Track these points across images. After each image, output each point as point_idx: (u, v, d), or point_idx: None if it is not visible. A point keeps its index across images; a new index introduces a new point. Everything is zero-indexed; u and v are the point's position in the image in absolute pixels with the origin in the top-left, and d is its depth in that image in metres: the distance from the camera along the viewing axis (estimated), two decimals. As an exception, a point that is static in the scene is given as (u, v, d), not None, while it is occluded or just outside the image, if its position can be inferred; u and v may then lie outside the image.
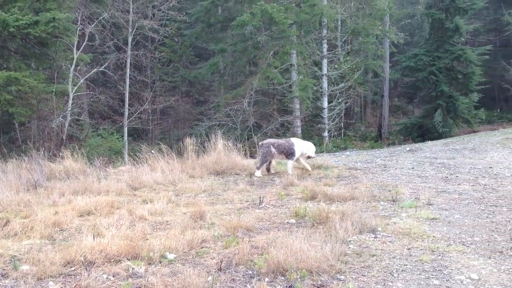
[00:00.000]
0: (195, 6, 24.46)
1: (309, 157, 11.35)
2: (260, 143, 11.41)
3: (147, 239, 5.96)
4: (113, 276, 4.92)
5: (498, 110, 35.02)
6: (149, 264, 5.22)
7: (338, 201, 8.00)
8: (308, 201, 8.22)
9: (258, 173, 10.94)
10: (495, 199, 8.02)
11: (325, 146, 21.78)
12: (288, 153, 10.97)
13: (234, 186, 9.69)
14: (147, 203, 8.04)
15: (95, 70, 20.21)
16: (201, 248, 5.72)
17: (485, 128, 27.87)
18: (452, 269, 4.95)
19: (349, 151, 19.96)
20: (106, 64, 21.35)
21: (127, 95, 21.45)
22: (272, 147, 10.96)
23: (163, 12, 23.67)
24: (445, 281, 4.67)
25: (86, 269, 4.96)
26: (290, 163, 11.04)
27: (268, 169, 11.28)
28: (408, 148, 16.99)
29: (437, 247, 5.58)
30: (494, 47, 33.74)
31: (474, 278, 4.70)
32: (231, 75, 24.71)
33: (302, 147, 11.14)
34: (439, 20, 25.67)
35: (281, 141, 11.37)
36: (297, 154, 11.00)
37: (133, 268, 5.06)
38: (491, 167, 11.48)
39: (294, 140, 11.30)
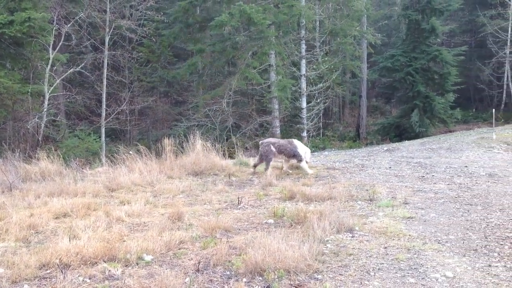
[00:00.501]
0: (173, 6, 24.32)
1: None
2: (260, 142, 11.51)
3: (124, 241, 5.91)
4: (89, 279, 4.87)
5: (474, 110, 35.61)
6: (126, 266, 5.18)
7: (316, 201, 8.03)
8: (287, 201, 8.25)
9: (269, 171, 10.88)
10: (470, 198, 8.15)
11: (304, 146, 21.86)
12: (291, 155, 10.99)
13: (213, 186, 9.67)
14: (124, 204, 7.98)
15: (71, 70, 19.97)
16: (179, 249, 5.70)
17: (461, 128, 28.32)
18: (427, 267, 5.02)
19: (328, 151, 20.09)
20: (83, 64, 21.11)
21: (104, 95, 21.24)
22: (272, 146, 11.01)
23: (140, 12, 23.49)
24: (420, 279, 4.73)
25: (62, 272, 4.91)
26: (304, 164, 11.01)
27: (255, 166, 11.34)
28: (385, 148, 17.15)
29: (413, 246, 5.65)
30: (470, 48, 34.35)
31: (449, 276, 4.77)
32: (210, 75, 24.63)
33: (304, 150, 11.21)
34: (416, 21, 26.00)
35: (283, 141, 11.45)
36: (302, 155, 11.00)
37: (109, 270, 5.01)
38: (466, 166, 11.66)
39: (297, 142, 11.30)
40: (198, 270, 4.98)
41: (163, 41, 26.05)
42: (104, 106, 21.13)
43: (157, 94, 28.20)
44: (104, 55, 21.41)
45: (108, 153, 16.88)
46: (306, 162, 11.28)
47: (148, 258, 5.36)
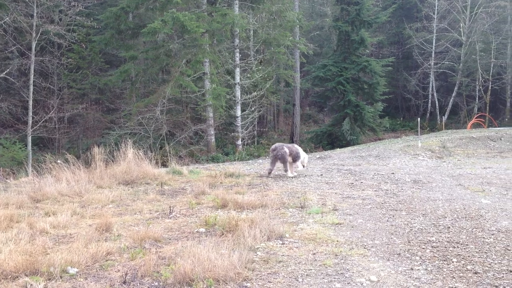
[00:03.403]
0: (104, 11, 23.77)
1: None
2: (273, 147, 11.96)
3: (47, 254, 5.67)
4: (9, 294, 4.64)
5: (401, 118, 37.14)
6: (49, 279, 4.98)
7: (248, 208, 8.06)
8: (219, 209, 8.22)
9: (289, 173, 11.69)
10: (396, 204, 8.45)
11: (238, 154, 21.94)
12: (296, 156, 11.73)
13: (144, 196, 9.50)
14: (49, 215, 7.68)
15: (-5, 76, 19.07)
16: (106, 261, 5.54)
17: (389, 136, 29.44)
18: (353, 272, 5.15)
19: (262, 159, 20.23)
20: (8, 70, 20.21)
21: (30, 102, 20.40)
22: (286, 148, 11.65)
23: (70, 17, 22.78)
24: (346, 284, 4.84)
25: (-21, 288, 4.65)
26: (299, 164, 11.81)
27: (270, 172, 11.83)
28: (318, 156, 17.53)
29: (340, 251, 5.78)
30: (397, 59, 35.87)
31: (373, 280, 4.91)
32: (143, 82, 24.27)
33: (304, 155, 12.03)
34: (346, 32, 26.85)
35: (289, 145, 12.13)
36: (302, 157, 11.83)
37: (31, 285, 4.79)
38: (393, 173, 12.10)
39: (297, 146, 12.11)
40: (125, 282, 4.86)
41: (94, 47, 25.42)
42: (30, 113, 20.28)
43: (88, 101, 27.40)
44: (30, 61, 20.58)
45: (35, 162, 16.23)
46: (303, 166, 12.09)
47: (72, 271, 5.17)
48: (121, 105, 25.15)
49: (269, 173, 11.87)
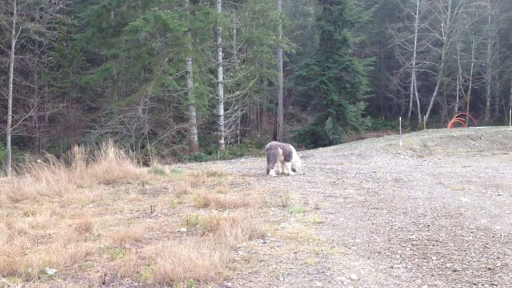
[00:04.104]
0: (85, 9, 23.52)
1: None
2: (267, 146, 12.01)
3: (26, 254, 5.58)
4: (-15, 296, 4.56)
5: (383, 117, 37.43)
6: (27, 280, 4.90)
7: (230, 208, 8.02)
8: (201, 208, 8.18)
9: (272, 172, 11.69)
10: (377, 202, 8.50)
11: (221, 153, 21.90)
12: (289, 156, 11.80)
13: (125, 195, 9.42)
14: (28, 215, 7.57)
15: (-26, 74, 18.78)
16: (85, 261, 5.47)
17: (371, 135, 29.65)
18: (334, 270, 5.16)
19: (245, 158, 20.24)
20: (-13, 68, 19.94)
21: (10, 101, 20.15)
22: (279, 148, 11.70)
23: (51, 15, 22.51)
24: (327, 282, 4.84)
25: (-46, 290, 4.56)
26: (289, 165, 11.95)
27: (268, 170, 11.82)
28: (300, 155, 17.53)
29: (322, 250, 5.79)
30: (379, 58, 36.13)
31: (354, 279, 4.93)
32: (125, 81, 24.11)
33: (296, 158, 12.18)
34: (328, 32, 26.95)
35: (283, 144, 12.26)
36: (294, 159, 11.96)
37: (8, 286, 4.72)
38: (374, 172, 12.18)
39: (292, 147, 12.16)
40: (104, 283, 4.80)
41: (75, 45, 25.18)
42: (10, 112, 20.03)
43: (69, 100, 27.16)
44: (10, 59, 20.30)
45: (14, 161, 16.01)
46: (294, 171, 12.06)
47: (51, 271, 5.10)
48: (103, 103, 24.97)
49: (268, 171, 11.87)
